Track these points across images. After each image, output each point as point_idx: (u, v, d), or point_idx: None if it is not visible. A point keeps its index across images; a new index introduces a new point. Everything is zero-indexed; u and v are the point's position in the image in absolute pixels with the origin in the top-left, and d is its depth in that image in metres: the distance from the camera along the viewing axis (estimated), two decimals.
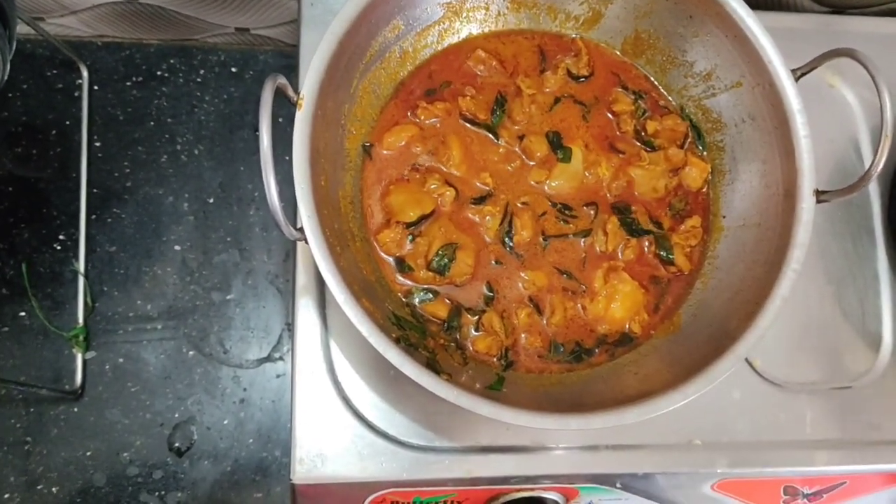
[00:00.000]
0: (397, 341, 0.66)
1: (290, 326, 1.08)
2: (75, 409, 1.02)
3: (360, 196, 0.78)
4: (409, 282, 0.77)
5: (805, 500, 0.89)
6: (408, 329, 0.73)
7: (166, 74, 1.13)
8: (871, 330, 0.91)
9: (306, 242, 0.65)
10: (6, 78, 0.73)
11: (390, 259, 0.77)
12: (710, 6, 0.77)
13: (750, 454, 0.84)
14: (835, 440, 0.86)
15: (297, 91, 0.68)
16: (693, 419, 0.83)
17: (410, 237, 0.77)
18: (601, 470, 0.82)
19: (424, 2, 0.79)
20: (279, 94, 0.64)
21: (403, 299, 0.76)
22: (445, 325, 0.76)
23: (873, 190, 0.95)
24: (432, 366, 0.68)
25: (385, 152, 0.80)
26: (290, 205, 0.72)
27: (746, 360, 0.85)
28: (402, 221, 0.77)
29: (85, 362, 1.04)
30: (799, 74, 0.75)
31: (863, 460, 0.86)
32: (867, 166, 0.95)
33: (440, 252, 0.76)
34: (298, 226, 0.66)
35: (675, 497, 0.86)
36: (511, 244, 0.79)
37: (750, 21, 0.75)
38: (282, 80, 0.64)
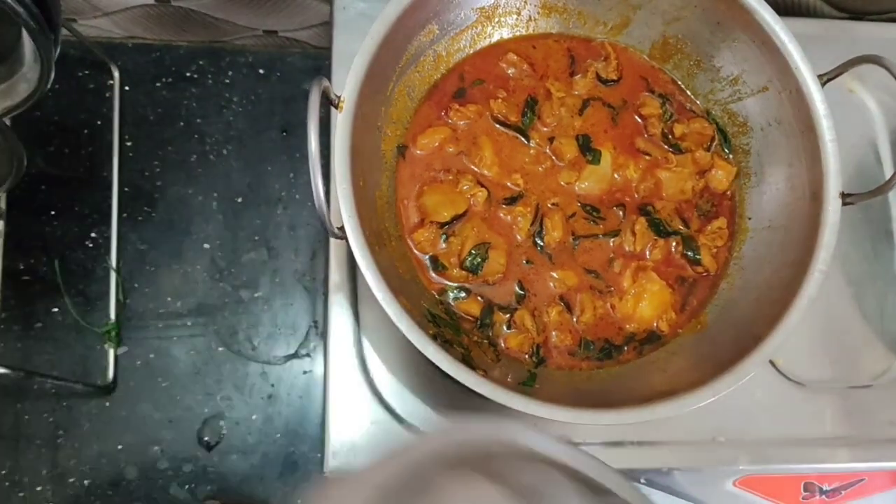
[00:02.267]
0: (434, 338, 0.67)
1: (316, 324, 1.09)
2: (107, 404, 1.04)
3: (395, 196, 0.80)
4: (442, 280, 0.79)
5: (824, 497, 0.90)
6: (442, 326, 0.75)
7: (195, 76, 1.15)
8: (890, 330, 0.92)
9: (347, 241, 0.67)
10: (51, 83, 0.74)
11: (425, 258, 0.79)
12: (737, 13, 0.79)
13: (771, 451, 0.85)
14: (854, 438, 0.87)
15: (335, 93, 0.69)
16: (716, 417, 0.85)
17: (444, 237, 0.79)
18: (626, 465, 0.83)
19: (458, 7, 0.81)
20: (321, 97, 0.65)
21: (437, 297, 0.78)
22: (478, 322, 0.78)
23: (892, 193, 0.97)
24: (467, 362, 0.69)
25: (419, 153, 0.82)
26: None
27: (769, 359, 0.87)
28: (436, 221, 0.79)
29: (116, 358, 1.05)
30: (825, 80, 0.77)
31: (881, 458, 0.87)
32: (886, 169, 0.97)
33: (473, 251, 0.78)
34: (338, 225, 0.67)
35: (697, 493, 0.87)
36: (542, 244, 0.81)
37: (777, 27, 0.77)
38: (326, 83, 0.65)
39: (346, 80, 0.70)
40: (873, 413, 0.89)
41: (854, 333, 0.91)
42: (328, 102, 0.69)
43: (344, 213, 0.68)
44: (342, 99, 0.70)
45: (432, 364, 0.66)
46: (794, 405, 0.87)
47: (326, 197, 0.74)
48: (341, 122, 0.69)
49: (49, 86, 0.74)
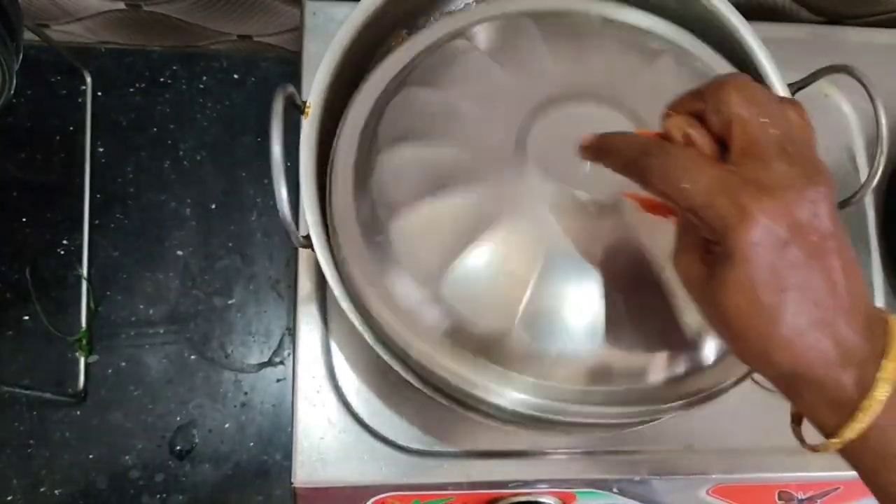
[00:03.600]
0: None
1: (290, 331, 1.08)
2: (78, 413, 1.03)
3: None
4: None
5: None
6: None
7: (169, 81, 1.14)
8: None
9: (312, 250, 0.66)
10: (13, 90, 0.74)
11: None
12: (704, 17, 0.78)
13: (746, 459, 0.85)
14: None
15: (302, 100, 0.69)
16: (690, 424, 0.84)
17: None
18: (598, 475, 0.82)
19: (427, 13, 0.80)
20: (286, 103, 0.65)
21: None
22: None
23: (868, 202, 0.96)
24: None
25: None
26: (293, 211, 0.73)
27: None
28: None
29: (88, 366, 1.04)
30: (796, 88, 0.76)
31: None
32: (862, 176, 0.97)
33: None
34: (304, 234, 0.67)
35: (671, 501, 0.87)
36: None
37: (745, 33, 0.76)
38: (291, 90, 0.65)
39: (312, 86, 0.70)
40: None
41: None
42: (295, 109, 0.69)
43: (309, 221, 0.67)
44: (308, 105, 0.69)
45: (400, 375, 0.66)
46: (770, 413, 0.85)
47: (295, 206, 0.73)
48: (306, 129, 0.69)
49: (11, 95, 0.74)
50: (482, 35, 0.71)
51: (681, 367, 0.65)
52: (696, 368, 0.66)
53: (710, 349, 0.65)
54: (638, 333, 0.63)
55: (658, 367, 0.64)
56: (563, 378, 0.63)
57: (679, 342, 0.64)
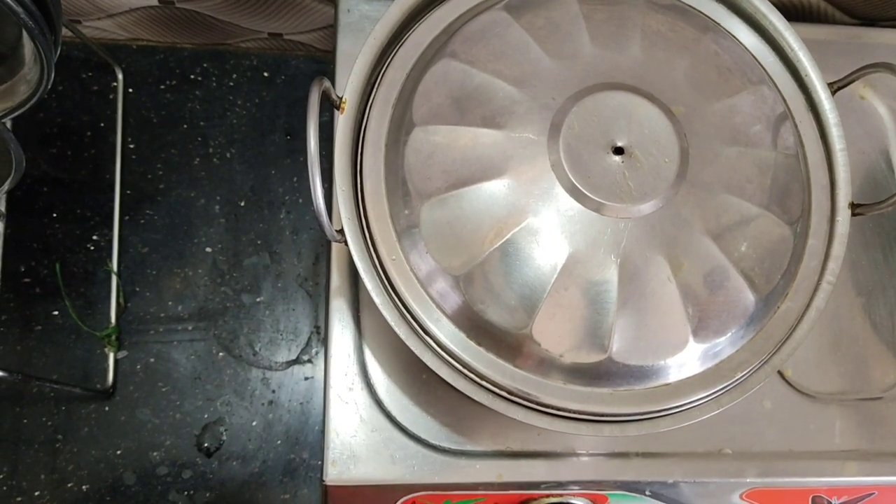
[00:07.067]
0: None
1: (318, 329, 1.08)
2: (106, 408, 1.03)
3: None
4: None
5: None
6: None
7: (200, 78, 1.14)
8: None
9: (346, 244, 0.66)
10: (51, 84, 0.74)
11: None
12: (746, 18, 0.78)
13: (779, 464, 0.84)
14: (864, 451, 0.86)
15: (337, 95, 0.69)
16: (723, 428, 0.83)
17: None
18: (631, 477, 0.82)
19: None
20: (322, 98, 0.64)
21: None
22: None
23: None
24: None
25: None
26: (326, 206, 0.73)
27: (778, 370, 0.85)
28: None
29: (116, 362, 1.05)
30: (835, 88, 0.76)
31: (892, 472, 0.85)
32: None
33: None
34: (337, 228, 0.66)
35: None
36: None
37: (787, 34, 0.76)
38: (327, 84, 0.64)
39: (348, 82, 0.69)
40: (884, 426, 0.87)
41: (864, 344, 0.90)
42: (330, 104, 0.68)
43: (343, 215, 0.67)
44: (344, 100, 0.69)
45: (432, 372, 0.65)
46: (803, 417, 0.86)
47: (328, 200, 0.73)
48: (342, 124, 0.68)
49: (49, 87, 0.73)
50: (521, 6, 0.71)
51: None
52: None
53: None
54: (645, 337, 0.65)
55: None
56: (566, 378, 0.66)
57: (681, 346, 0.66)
